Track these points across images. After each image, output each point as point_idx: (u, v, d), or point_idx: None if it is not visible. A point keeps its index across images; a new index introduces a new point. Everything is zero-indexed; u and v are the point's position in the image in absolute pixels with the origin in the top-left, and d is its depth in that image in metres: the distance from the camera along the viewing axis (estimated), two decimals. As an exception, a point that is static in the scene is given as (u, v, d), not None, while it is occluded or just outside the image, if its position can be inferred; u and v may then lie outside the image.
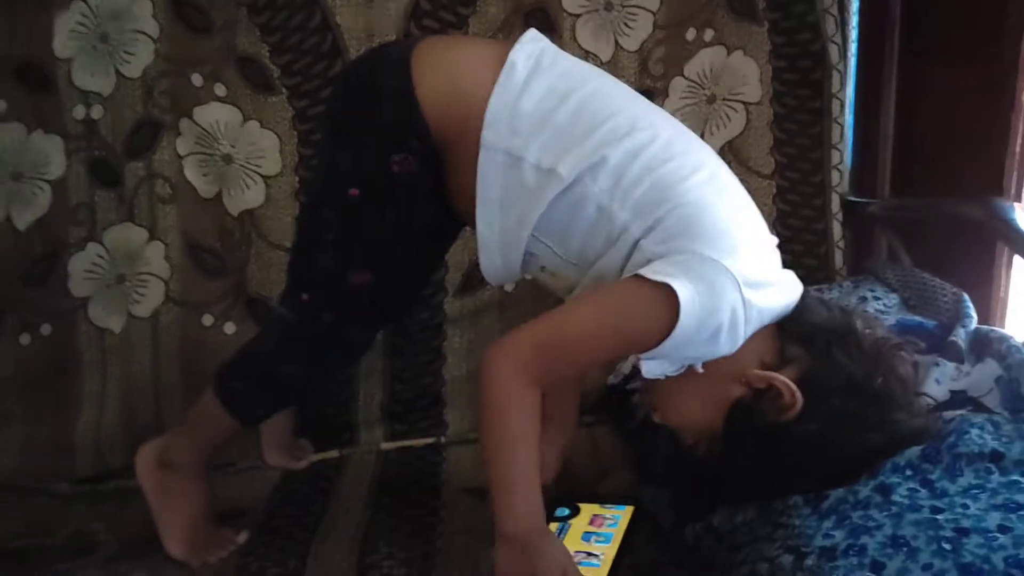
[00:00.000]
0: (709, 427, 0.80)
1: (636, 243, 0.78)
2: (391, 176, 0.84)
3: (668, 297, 0.73)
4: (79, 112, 1.18)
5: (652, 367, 0.80)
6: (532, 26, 1.18)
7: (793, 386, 0.77)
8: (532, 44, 0.85)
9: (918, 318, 1.06)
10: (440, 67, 0.84)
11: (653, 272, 0.74)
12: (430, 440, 1.19)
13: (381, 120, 0.84)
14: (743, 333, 0.77)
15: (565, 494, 0.98)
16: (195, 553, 0.94)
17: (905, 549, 0.68)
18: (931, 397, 0.91)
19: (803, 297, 0.83)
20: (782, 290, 0.81)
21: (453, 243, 1.02)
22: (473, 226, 0.86)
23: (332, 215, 0.88)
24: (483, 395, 0.78)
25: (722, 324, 0.75)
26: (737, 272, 0.75)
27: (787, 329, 0.80)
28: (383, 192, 0.85)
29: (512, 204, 0.82)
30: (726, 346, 0.77)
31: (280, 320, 0.95)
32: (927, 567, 0.66)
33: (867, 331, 0.81)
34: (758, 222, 0.84)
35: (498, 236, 0.83)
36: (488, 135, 0.81)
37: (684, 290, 0.73)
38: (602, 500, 0.93)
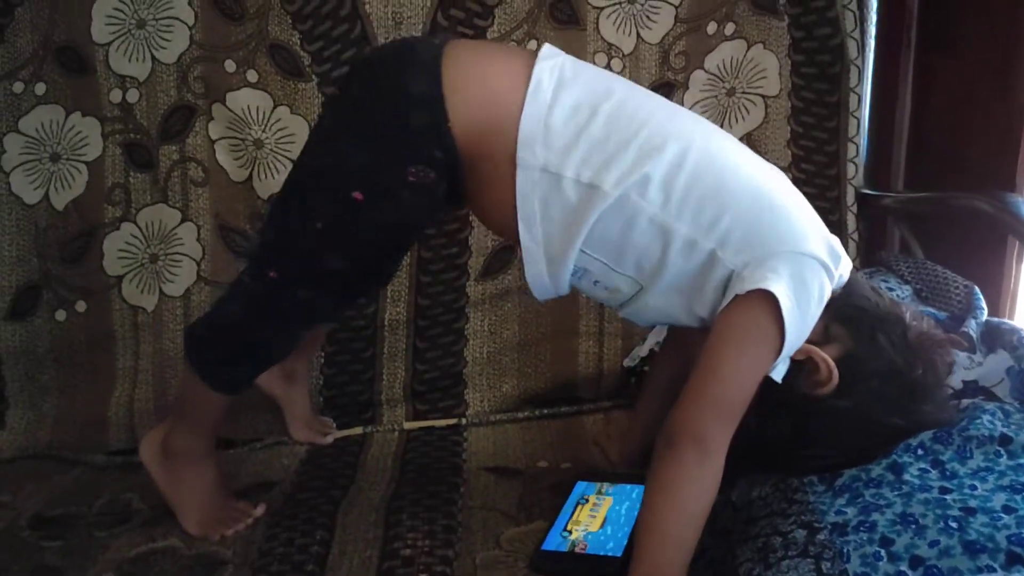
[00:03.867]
0: None
1: (711, 254, 0.79)
2: (405, 185, 0.82)
3: (769, 302, 0.75)
4: (115, 96, 1.21)
5: (779, 370, 0.79)
6: (557, 17, 1.22)
7: (831, 363, 0.79)
8: (552, 59, 0.84)
9: (930, 309, 1.07)
10: (471, 78, 0.82)
11: (748, 284, 0.76)
12: (452, 421, 1.21)
13: (406, 127, 0.82)
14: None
15: (586, 471, 1.01)
16: (211, 529, 0.95)
17: (914, 526, 0.70)
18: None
19: (851, 279, 0.84)
20: (844, 261, 0.83)
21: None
22: (506, 237, 0.84)
23: (328, 207, 0.85)
24: (673, 476, 0.76)
25: (814, 307, 0.78)
26: (814, 252, 0.79)
27: (833, 308, 0.81)
28: (390, 199, 0.83)
29: (555, 219, 0.81)
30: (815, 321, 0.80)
31: (246, 289, 0.91)
32: (934, 543, 0.68)
33: (914, 323, 0.83)
34: (793, 190, 0.85)
35: (543, 250, 0.83)
36: (523, 154, 0.80)
37: (779, 289, 0.75)
38: (622, 479, 0.96)
